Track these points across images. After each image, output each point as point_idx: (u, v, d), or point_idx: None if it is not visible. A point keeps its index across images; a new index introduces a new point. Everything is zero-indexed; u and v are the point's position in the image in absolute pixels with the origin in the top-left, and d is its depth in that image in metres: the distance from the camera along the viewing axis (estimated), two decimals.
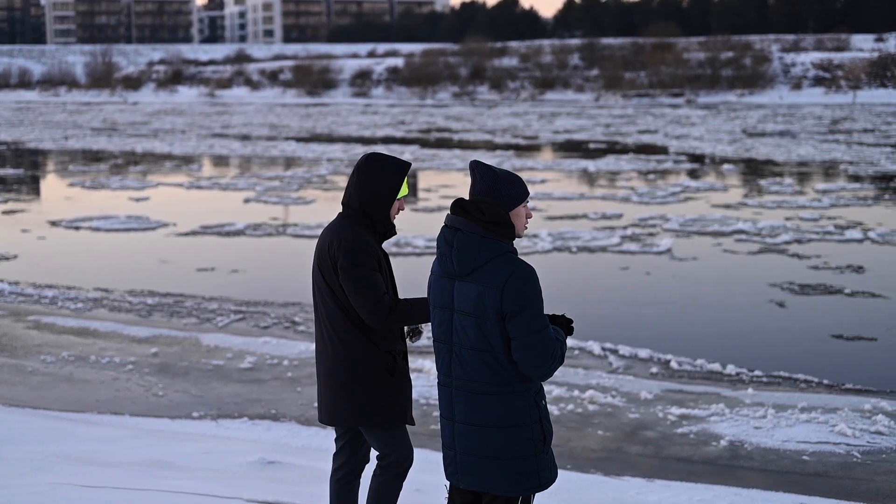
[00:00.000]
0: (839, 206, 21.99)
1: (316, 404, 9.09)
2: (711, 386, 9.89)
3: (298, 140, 44.16)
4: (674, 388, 9.73)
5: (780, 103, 71.29)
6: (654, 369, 10.45)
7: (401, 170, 4.85)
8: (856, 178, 27.41)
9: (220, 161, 36.07)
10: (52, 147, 42.75)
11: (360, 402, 4.81)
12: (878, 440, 8.23)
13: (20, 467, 7.00)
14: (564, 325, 4.33)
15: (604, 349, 11.09)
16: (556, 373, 9.74)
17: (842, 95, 74.50)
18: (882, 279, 14.83)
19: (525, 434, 4.15)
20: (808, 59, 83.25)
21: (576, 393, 9.47)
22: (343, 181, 27.87)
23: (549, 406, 9.00)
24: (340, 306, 4.80)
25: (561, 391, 9.52)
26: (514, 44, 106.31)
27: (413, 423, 4.99)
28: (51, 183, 29.90)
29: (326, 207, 22.76)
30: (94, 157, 37.71)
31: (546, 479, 4.21)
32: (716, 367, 10.43)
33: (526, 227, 4.31)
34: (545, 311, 4.14)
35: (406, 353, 4.95)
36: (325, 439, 8.27)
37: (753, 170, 30.08)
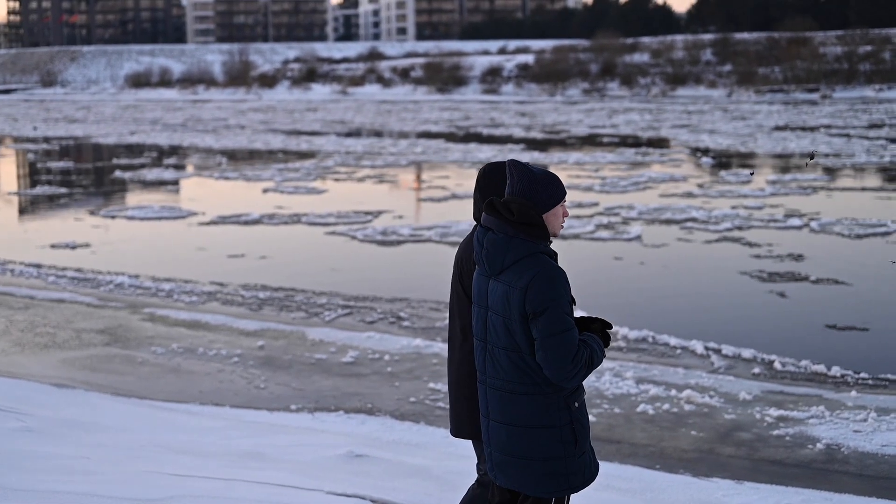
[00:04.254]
0: (779, 195, 22.21)
1: (412, 399, 9.24)
2: (814, 388, 9.67)
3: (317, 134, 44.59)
4: (774, 389, 9.55)
5: None
6: (757, 370, 10.27)
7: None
8: (793, 169, 26.47)
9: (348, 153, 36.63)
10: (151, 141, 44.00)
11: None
12: None
13: (116, 454, 7.24)
14: (600, 331, 4.29)
15: (707, 348, 10.93)
16: (654, 371, 9.75)
17: None
18: None
19: (553, 436, 4.14)
20: None
21: (673, 392, 9.37)
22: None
23: (644, 406, 8.96)
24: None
25: (658, 390, 9.43)
26: (645, 39, 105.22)
27: None
28: (193, 183, 30.70)
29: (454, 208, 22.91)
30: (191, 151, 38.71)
31: (577, 482, 4.20)
32: (820, 368, 10.19)
33: (562, 227, 4.30)
34: (580, 314, 4.13)
35: None
36: (418, 434, 8.36)
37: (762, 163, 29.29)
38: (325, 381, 10.06)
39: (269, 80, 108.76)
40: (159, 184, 28.87)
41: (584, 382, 4.30)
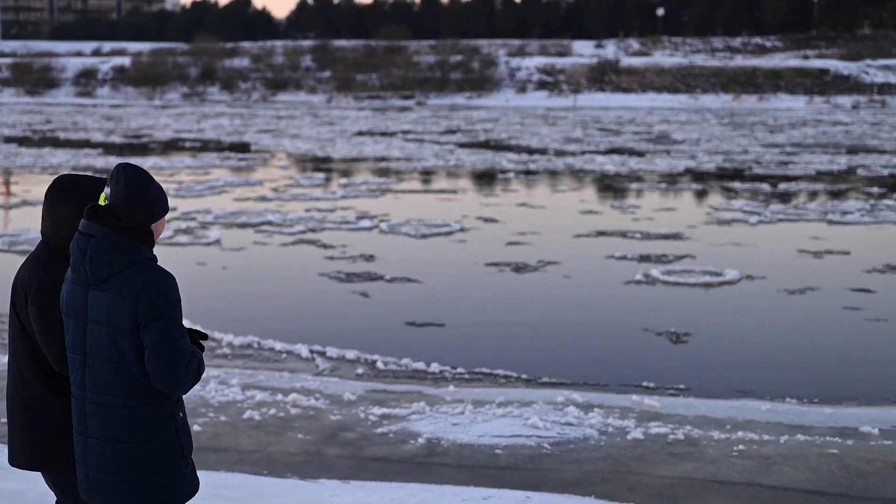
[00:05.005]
0: (350, 198, 23.00)
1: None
2: (415, 385, 10.04)
3: None
4: (378, 389, 9.83)
5: (506, 105, 73.43)
6: (361, 370, 10.53)
7: (94, 191, 4.45)
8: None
9: None
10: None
11: (36, 447, 4.49)
12: (567, 431, 8.56)
13: None
14: (197, 340, 4.25)
15: (312, 351, 11.09)
16: (259, 377, 9.76)
17: (564, 99, 77.42)
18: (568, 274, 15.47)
19: (160, 447, 4.05)
20: (532, 63, 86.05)
21: (279, 397, 9.42)
22: None
23: (251, 412, 8.95)
24: (29, 344, 4.42)
25: (264, 395, 9.44)
26: (245, 44, 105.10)
27: None
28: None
29: None
30: None
31: (185, 492, 4.14)
32: (420, 365, 10.61)
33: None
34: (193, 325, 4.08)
35: None
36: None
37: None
38: None
39: None
40: None
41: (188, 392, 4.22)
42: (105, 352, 3.98)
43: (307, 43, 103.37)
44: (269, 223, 20.17)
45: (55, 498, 4.84)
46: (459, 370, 10.51)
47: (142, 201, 4.03)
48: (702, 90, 77.03)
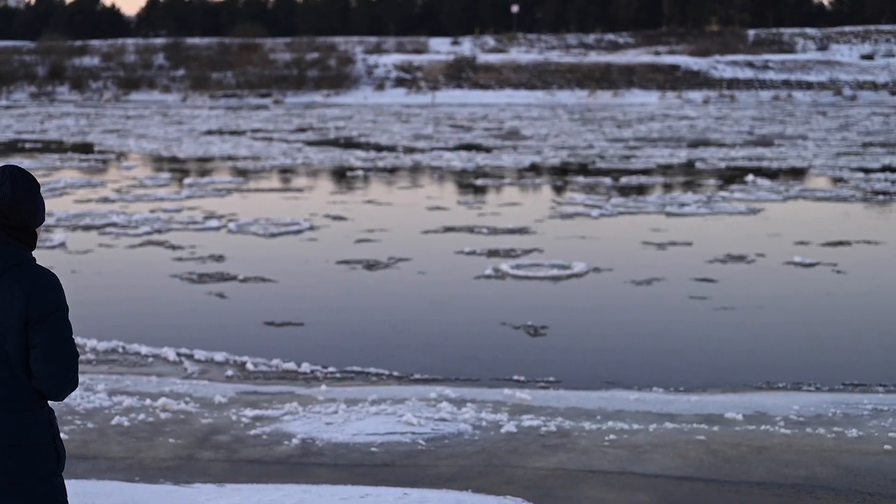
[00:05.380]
0: (196, 198, 23.32)
1: None
2: (286, 385, 9.97)
3: None
4: (249, 390, 9.73)
5: (364, 103, 73.39)
6: (230, 372, 10.41)
7: None
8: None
9: None
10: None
11: None
12: (441, 426, 8.60)
13: None
14: None
15: (179, 354, 10.92)
16: (126, 382, 9.57)
17: (422, 96, 77.76)
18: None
19: (41, 455, 3.95)
20: (390, 60, 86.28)
21: (147, 402, 9.24)
22: None
23: (119, 418, 8.78)
24: None
25: (132, 401, 9.25)
26: (95, 42, 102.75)
27: None
28: None
29: None
30: None
31: (62, 502, 4.06)
32: (291, 366, 10.55)
33: None
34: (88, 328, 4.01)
35: None
36: None
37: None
38: None
39: None
40: None
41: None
42: None
43: (159, 41, 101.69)
44: (114, 224, 19.85)
45: None
46: (330, 369, 10.48)
47: (29, 203, 3.97)
48: (558, 86, 78.27)
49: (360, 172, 29.19)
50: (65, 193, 24.82)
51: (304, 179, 28.19)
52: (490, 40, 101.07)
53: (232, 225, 19.77)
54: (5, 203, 3.95)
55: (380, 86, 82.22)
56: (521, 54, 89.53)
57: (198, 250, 17.23)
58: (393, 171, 29.85)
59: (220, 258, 16.56)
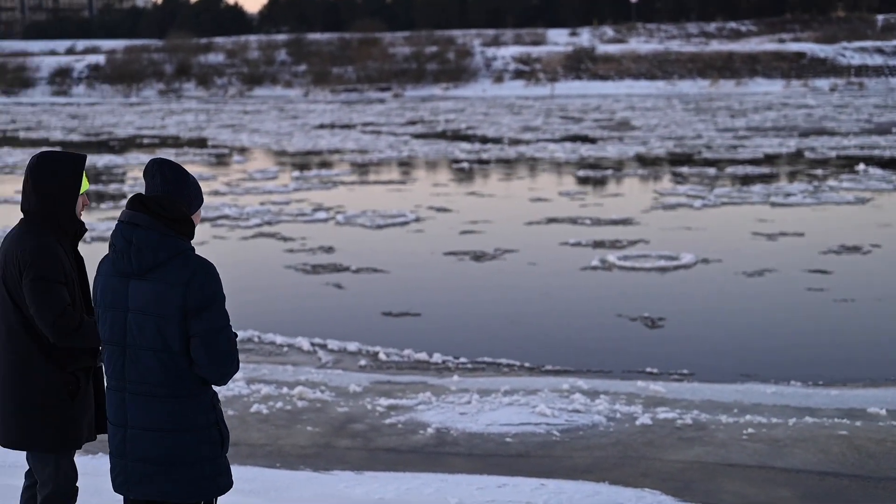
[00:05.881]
0: (303, 190, 22.97)
1: None
2: (418, 375, 10.05)
3: None
4: (382, 380, 9.83)
5: (483, 96, 73.42)
6: (363, 362, 10.53)
7: (77, 163, 4.68)
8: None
9: None
10: None
11: (29, 426, 4.57)
12: (575, 418, 8.58)
13: None
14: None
15: (313, 344, 11.09)
16: (263, 370, 9.73)
17: (541, 88, 77.45)
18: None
19: (202, 438, 4.06)
20: (508, 53, 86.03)
21: (285, 390, 9.41)
22: None
23: (258, 405, 8.94)
24: (23, 321, 4.55)
25: (269, 389, 9.43)
26: (219, 40, 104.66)
27: (93, 439, 4.79)
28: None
29: None
30: None
31: (224, 484, 4.15)
32: (422, 356, 10.62)
33: None
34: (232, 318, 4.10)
35: (97, 371, 4.75)
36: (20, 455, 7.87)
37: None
38: None
39: None
40: None
41: None
42: (149, 341, 3.98)
43: (281, 37, 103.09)
44: (226, 217, 20.21)
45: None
46: (462, 360, 10.52)
47: (181, 193, 4.05)
48: (679, 76, 77.23)
49: (465, 164, 29.23)
50: None
51: (409, 172, 28.35)
52: (609, 31, 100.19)
53: (340, 217, 19.99)
54: (160, 196, 4.06)
55: (498, 78, 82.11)
56: (640, 44, 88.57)
57: (308, 242, 17.49)
58: (497, 162, 29.82)
59: (329, 249, 16.78)
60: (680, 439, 8.07)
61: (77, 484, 4.81)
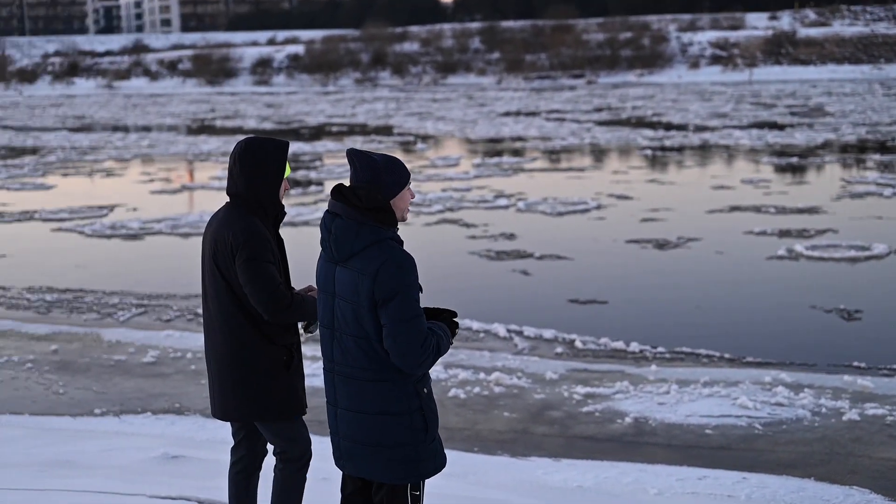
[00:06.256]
0: (483, 178, 22.48)
1: None
2: (615, 364, 9.98)
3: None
4: (578, 368, 9.80)
5: (678, 82, 72.23)
6: (559, 349, 10.52)
7: (281, 149, 4.82)
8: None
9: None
10: None
11: (254, 398, 4.76)
12: (778, 411, 8.37)
13: None
14: (448, 320, 4.29)
15: (509, 331, 11.13)
16: (461, 356, 9.83)
17: (738, 73, 75.70)
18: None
19: (402, 422, 4.12)
20: (704, 38, 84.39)
21: (482, 375, 9.49)
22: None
23: (456, 390, 9.03)
24: (236, 300, 4.73)
25: (467, 374, 9.53)
26: (414, 28, 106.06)
27: (305, 413, 4.94)
28: None
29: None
30: None
31: (427, 469, 4.19)
32: (619, 345, 10.54)
33: (409, 210, 4.32)
34: (428, 305, 4.14)
35: (300, 344, 4.91)
36: (230, 432, 8.17)
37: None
38: (127, 382, 9.71)
39: (28, 76, 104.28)
40: None
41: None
42: (350, 327, 4.10)
43: (475, 25, 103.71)
44: (410, 203, 20.30)
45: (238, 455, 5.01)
46: (660, 349, 10.39)
47: (374, 183, 4.10)
48: (886, 60, 74.26)
49: (648, 152, 28.82)
50: None
51: (590, 159, 28.13)
52: (811, 13, 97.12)
53: (521, 203, 20.02)
54: (355, 185, 4.13)
55: (694, 64, 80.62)
56: (844, 27, 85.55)
57: (490, 228, 17.60)
58: (680, 149, 29.28)
59: (511, 236, 16.82)
60: (890, 436, 7.79)
61: (311, 448, 4.96)
